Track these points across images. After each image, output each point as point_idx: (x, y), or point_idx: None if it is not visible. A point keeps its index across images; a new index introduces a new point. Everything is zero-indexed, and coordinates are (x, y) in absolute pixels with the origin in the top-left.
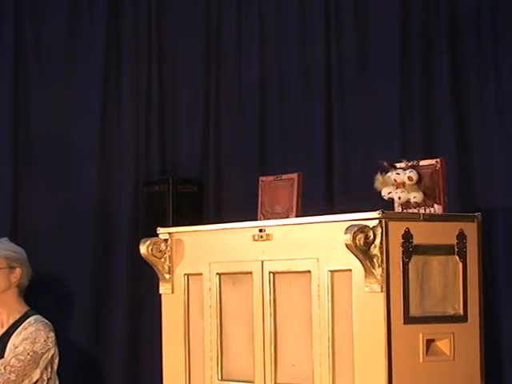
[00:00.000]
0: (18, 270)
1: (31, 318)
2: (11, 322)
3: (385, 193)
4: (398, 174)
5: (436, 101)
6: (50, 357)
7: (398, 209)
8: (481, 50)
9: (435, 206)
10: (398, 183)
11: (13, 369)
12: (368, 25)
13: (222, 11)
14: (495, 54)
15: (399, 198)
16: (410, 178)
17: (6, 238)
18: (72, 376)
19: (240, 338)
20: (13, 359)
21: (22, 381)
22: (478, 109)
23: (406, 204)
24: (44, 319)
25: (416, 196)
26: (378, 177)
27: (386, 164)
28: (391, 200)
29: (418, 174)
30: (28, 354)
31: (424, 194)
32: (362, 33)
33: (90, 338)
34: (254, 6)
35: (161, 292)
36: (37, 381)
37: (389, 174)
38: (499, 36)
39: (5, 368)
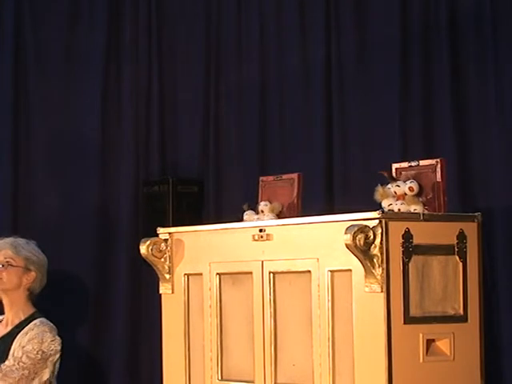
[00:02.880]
0: (32, 274)
1: (37, 320)
2: (16, 322)
3: (385, 204)
4: (398, 186)
5: (436, 101)
6: (56, 359)
7: None
8: (481, 50)
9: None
10: (398, 195)
11: (25, 365)
12: (368, 25)
13: (222, 11)
14: (495, 54)
15: (399, 209)
16: (410, 189)
17: (34, 242)
18: (72, 376)
19: (240, 338)
20: (24, 356)
21: (33, 379)
22: (477, 109)
23: None
24: (50, 322)
25: (416, 209)
26: (379, 188)
27: (385, 175)
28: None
29: (419, 185)
30: (37, 352)
31: (424, 205)
32: (361, 33)
33: (90, 338)
34: (254, 5)
35: (161, 292)
36: (46, 381)
37: (389, 185)
38: (499, 36)
39: (18, 364)
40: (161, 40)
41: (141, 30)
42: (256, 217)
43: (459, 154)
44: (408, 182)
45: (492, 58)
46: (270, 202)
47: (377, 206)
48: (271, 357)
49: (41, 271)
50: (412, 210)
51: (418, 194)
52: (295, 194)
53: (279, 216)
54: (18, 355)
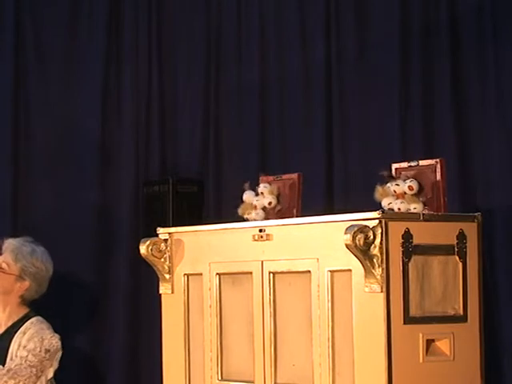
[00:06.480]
0: (26, 283)
1: (33, 319)
2: (10, 323)
3: (385, 203)
4: (397, 185)
5: (436, 101)
6: (59, 356)
7: None
8: (481, 50)
9: None
10: (397, 194)
11: (32, 363)
12: (368, 24)
13: (222, 11)
14: (495, 54)
15: (399, 208)
16: (410, 188)
17: (42, 249)
18: (72, 376)
19: (240, 337)
20: (30, 355)
21: (40, 377)
22: (477, 109)
23: None
24: (45, 320)
25: (416, 207)
26: (378, 188)
27: (385, 175)
28: (391, 211)
29: (419, 183)
30: (40, 350)
31: (424, 204)
32: (361, 33)
33: (90, 339)
34: (254, 6)
35: (161, 292)
36: (51, 379)
37: (388, 184)
38: (499, 36)
39: (25, 362)
40: (161, 40)
41: (141, 30)
42: (255, 198)
43: (459, 154)
44: (408, 181)
45: (492, 57)
46: (270, 185)
47: (377, 206)
48: (271, 357)
49: (38, 281)
50: (412, 209)
51: (418, 193)
52: (295, 194)
53: (278, 200)
54: (23, 354)
